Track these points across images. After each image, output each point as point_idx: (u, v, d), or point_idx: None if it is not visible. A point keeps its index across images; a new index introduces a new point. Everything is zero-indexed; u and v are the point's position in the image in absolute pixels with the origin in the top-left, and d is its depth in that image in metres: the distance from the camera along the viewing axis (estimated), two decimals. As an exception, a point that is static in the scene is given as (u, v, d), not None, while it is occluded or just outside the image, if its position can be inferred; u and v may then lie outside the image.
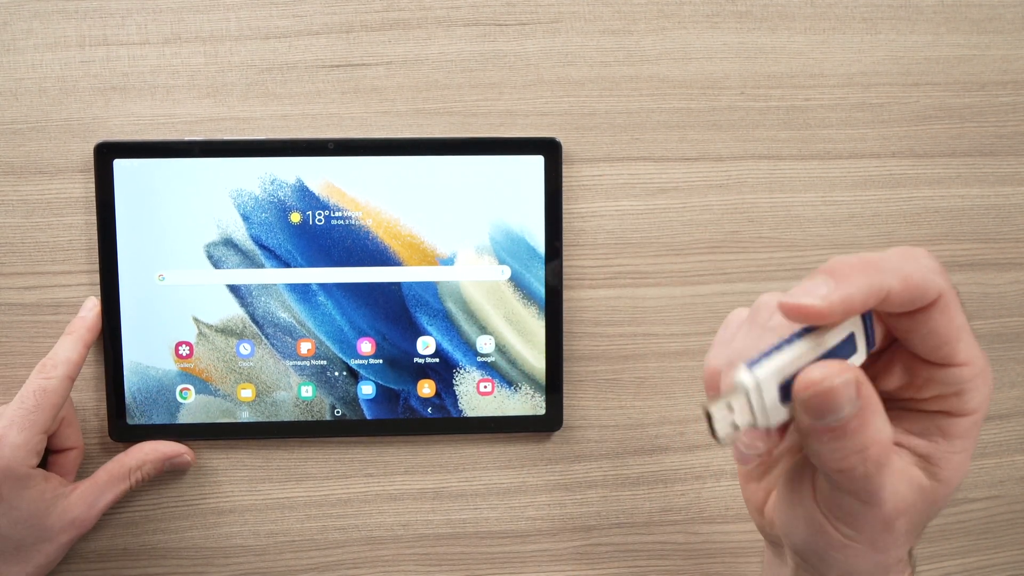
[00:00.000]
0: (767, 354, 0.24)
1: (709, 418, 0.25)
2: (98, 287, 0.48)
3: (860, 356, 0.26)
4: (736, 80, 0.50)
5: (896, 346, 0.27)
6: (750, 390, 0.24)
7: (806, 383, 0.24)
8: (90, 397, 0.49)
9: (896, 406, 0.28)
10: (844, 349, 0.25)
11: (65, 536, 0.45)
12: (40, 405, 0.44)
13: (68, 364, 0.45)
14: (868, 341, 0.26)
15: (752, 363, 0.24)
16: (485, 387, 0.50)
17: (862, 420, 0.24)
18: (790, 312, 0.24)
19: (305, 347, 0.49)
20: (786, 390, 0.24)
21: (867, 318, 0.26)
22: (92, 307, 0.48)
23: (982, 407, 0.26)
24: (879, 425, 0.24)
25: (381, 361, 0.50)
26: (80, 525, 0.46)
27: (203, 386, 0.49)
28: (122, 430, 0.49)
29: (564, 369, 0.51)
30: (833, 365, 0.24)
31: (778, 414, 0.25)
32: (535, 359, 0.50)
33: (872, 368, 0.28)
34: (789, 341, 0.25)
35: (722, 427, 0.25)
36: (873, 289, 0.24)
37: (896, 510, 0.26)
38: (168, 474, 0.50)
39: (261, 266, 0.48)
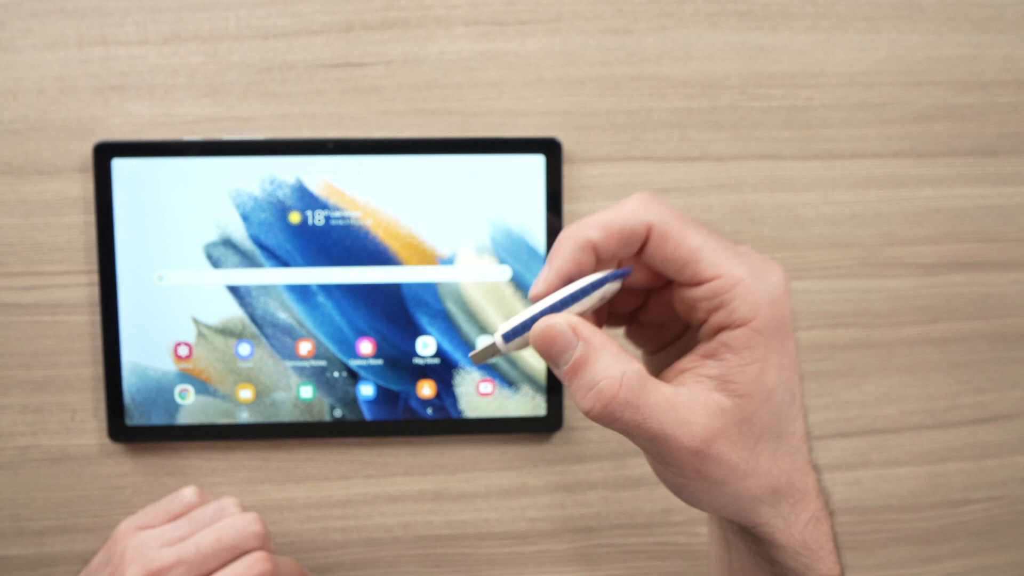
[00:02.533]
0: (519, 318, 0.29)
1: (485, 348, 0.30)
2: (97, 287, 0.48)
3: (612, 287, 0.29)
4: (737, 79, 0.50)
5: (666, 283, 0.31)
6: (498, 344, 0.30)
7: (534, 335, 0.28)
8: (89, 398, 0.49)
9: (687, 340, 0.31)
10: (588, 291, 0.29)
11: None
12: None
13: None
14: (619, 274, 0.29)
15: (505, 332, 0.30)
16: (485, 388, 0.50)
17: (585, 359, 0.27)
18: (532, 298, 0.29)
19: (304, 348, 0.49)
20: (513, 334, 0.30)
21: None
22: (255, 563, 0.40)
23: (756, 317, 0.27)
24: (606, 362, 0.27)
25: (381, 362, 0.49)
26: None
27: (202, 387, 0.49)
28: (121, 431, 0.49)
29: (564, 369, 0.50)
30: (552, 316, 0.28)
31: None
32: (535, 359, 0.50)
33: (650, 306, 0.31)
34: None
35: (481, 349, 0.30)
36: (575, 254, 0.28)
37: (696, 439, 0.27)
38: (168, 475, 0.50)
39: (260, 266, 0.48)
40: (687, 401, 0.27)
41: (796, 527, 0.30)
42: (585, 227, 0.28)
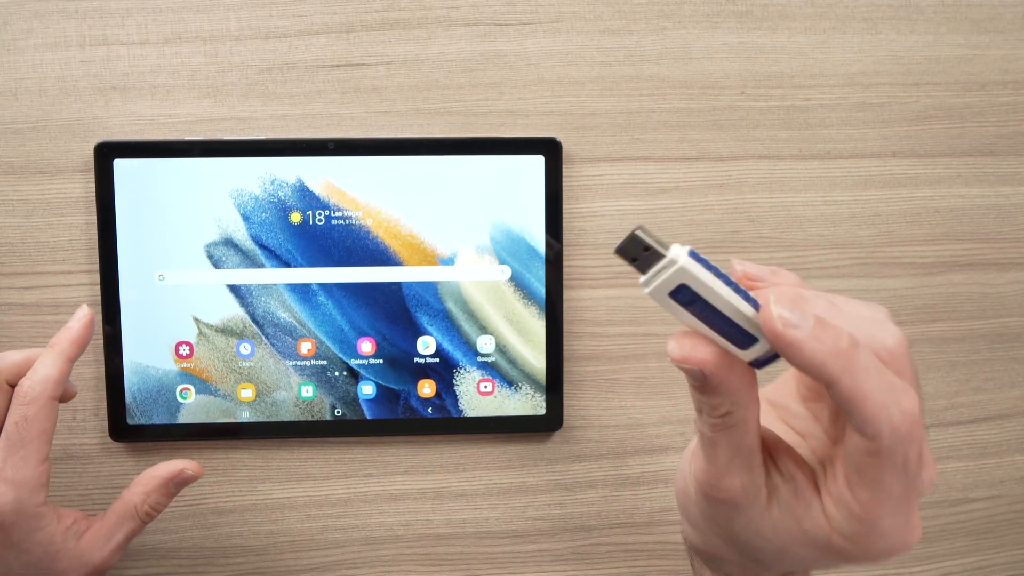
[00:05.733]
0: (712, 269, 0.26)
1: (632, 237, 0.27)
2: (98, 287, 0.48)
3: (762, 346, 0.27)
4: (736, 80, 0.50)
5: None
6: (673, 259, 0.27)
7: (671, 352, 0.28)
8: (90, 397, 0.49)
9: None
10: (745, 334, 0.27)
11: None
12: (25, 437, 0.39)
13: (47, 384, 0.40)
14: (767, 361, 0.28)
15: (693, 254, 0.26)
16: (485, 387, 0.50)
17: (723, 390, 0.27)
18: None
19: (305, 347, 0.49)
20: (677, 295, 0.27)
21: None
22: (81, 317, 0.42)
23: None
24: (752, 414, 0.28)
25: (381, 361, 0.50)
26: (95, 569, 0.42)
27: (203, 386, 0.49)
28: (122, 430, 0.49)
29: (564, 369, 0.51)
30: (691, 342, 0.27)
31: (662, 300, 0.28)
32: (535, 359, 0.50)
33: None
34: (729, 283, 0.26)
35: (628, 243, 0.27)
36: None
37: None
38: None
39: (261, 266, 0.49)
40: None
41: None
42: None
